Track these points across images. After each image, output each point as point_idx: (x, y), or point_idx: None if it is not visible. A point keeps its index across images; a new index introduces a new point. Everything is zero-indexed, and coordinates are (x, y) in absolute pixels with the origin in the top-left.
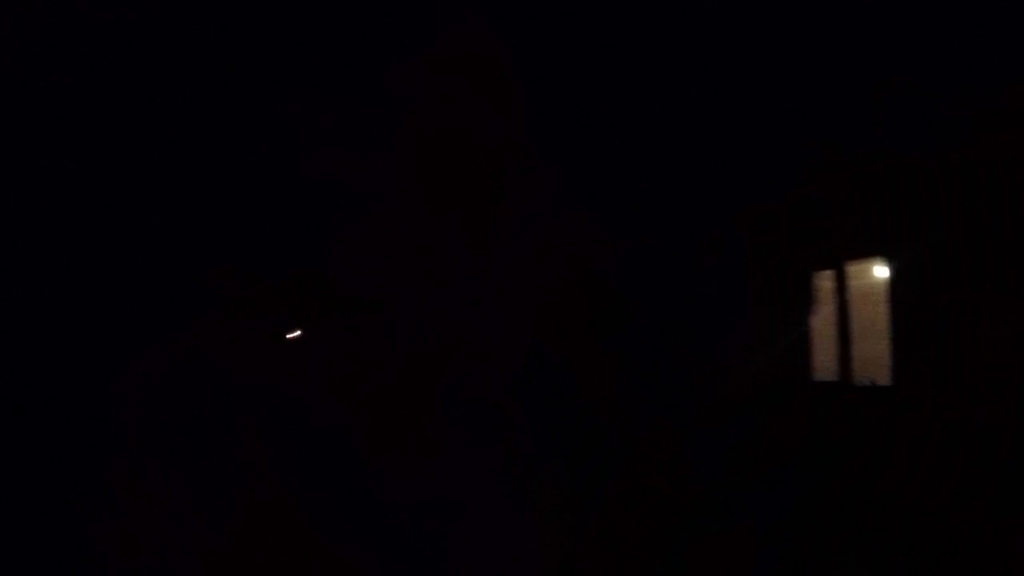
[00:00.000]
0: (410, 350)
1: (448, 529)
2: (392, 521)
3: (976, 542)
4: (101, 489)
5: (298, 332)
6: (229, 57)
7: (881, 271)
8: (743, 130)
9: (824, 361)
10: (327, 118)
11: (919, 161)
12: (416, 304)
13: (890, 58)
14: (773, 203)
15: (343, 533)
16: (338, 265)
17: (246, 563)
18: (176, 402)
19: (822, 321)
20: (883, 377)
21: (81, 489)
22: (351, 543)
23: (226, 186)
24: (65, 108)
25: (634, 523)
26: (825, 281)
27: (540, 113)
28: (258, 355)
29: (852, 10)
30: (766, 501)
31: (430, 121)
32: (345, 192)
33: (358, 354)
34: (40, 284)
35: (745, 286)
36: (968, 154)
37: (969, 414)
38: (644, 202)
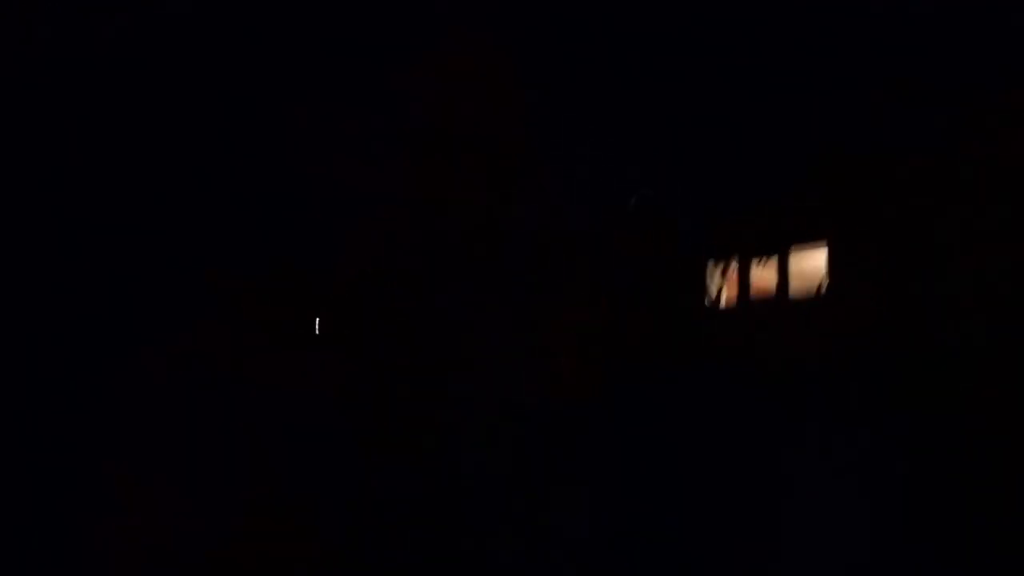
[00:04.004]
0: (409, 350)
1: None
2: (393, 520)
3: None
4: (100, 489)
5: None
6: (229, 57)
7: None
8: (742, 130)
9: None
10: (327, 119)
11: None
12: (416, 303)
13: (889, 59)
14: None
15: (343, 533)
16: (338, 264)
17: (246, 563)
18: (175, 402)
19: None
20: None
21: (80, 489)
22: (350, 543)
23: (226, 186)
24: (67, 109)
25: None
26: None
27: (536, 114)
28: (258, 355)
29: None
30: None
31: (428, 119)
32: (346, 192)
33: (358, 355)
34: (39, 284)
35: None
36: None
37: None
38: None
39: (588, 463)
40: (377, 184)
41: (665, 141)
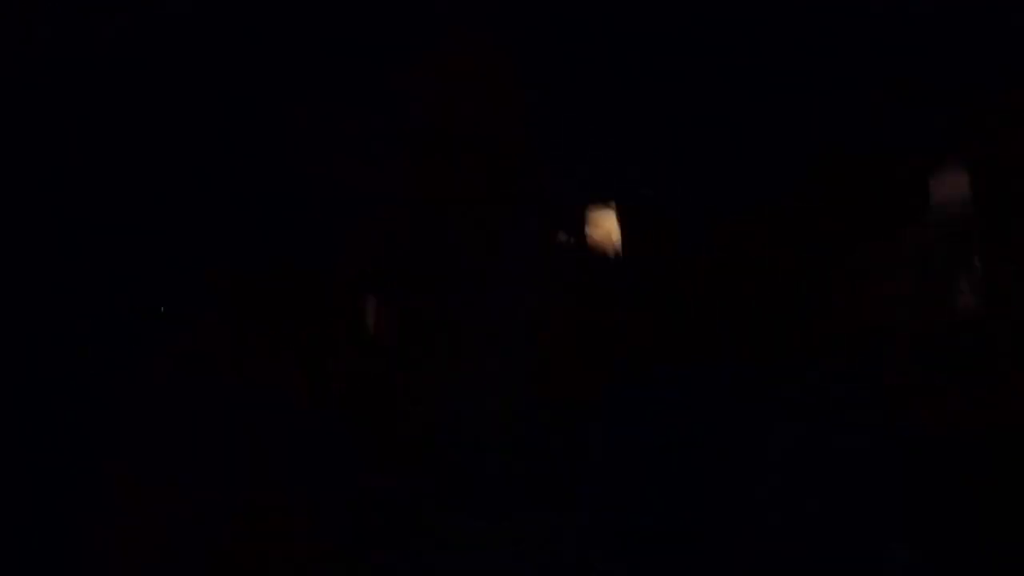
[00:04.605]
0: (409, 349)
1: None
2: (392, 521)
3: None
4: (100, 490)
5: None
6: (229, 58)
7: None
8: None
9: None
10: (327, 119)
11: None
12: (416, 302)
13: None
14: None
15: (343, 534)
16: (339, 265)
17: (246, 564)
18: (174, 402)
19: None
20: None
21: (80, 491)
22: (350, 545)
23: (226, 186)
24: (67, 109)
25: None
26: None
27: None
28: (257, 355)
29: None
30: None
31: (428, 119)
32: (346, 192)
33: (358, 355)
34: (38, 283)
35: None
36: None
37: None
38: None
39: (588, 464)
40: (377, 184)
41: (665, 141)
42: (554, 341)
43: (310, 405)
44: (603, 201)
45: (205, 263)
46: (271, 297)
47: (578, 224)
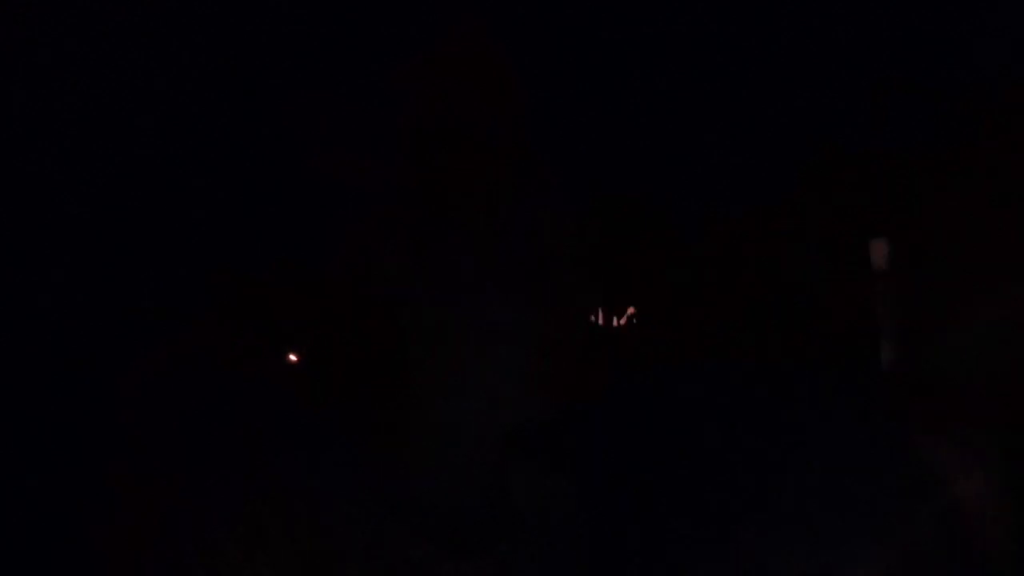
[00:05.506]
0: (413, 351)
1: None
2: (394, 523)
3: None
4: (100, 491)
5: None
6: (226, 54)
7: None
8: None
9: None
10: (328, 117)
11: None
12: (419, 304)
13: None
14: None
15: (345, 535)
16: (337, 264)
17: (246, 565)
18: (173, 402)
19: None
20: None
21: (80, 491)
22: (351, 544)
23: (225, 186)
24: (67, 109)
25: None
26: None
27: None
28: (259, 356)
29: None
30: None
31: (430, 118)
32: (347, 191)
33: (356, 355)
34: (38, 284)
35: None
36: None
37: None
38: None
39: (587, 465)
40: (377, 184)
41: (664, 141)
42: (554, 342)
43: (310, 405)
44: (602, 201)
45: (205, 263)
46: (271, 297)
47: (577, 224)
